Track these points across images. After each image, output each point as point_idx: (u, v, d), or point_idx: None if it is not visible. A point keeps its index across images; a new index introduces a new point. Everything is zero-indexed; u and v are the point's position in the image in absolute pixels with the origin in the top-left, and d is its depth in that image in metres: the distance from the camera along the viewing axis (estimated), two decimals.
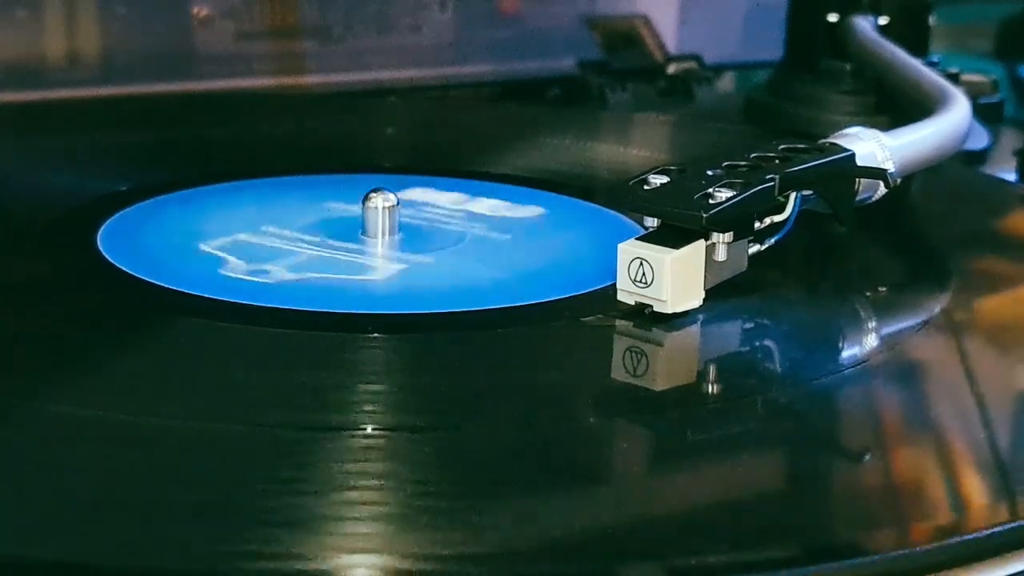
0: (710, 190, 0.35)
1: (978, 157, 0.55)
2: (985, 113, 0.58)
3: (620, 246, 0.35)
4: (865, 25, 0.56)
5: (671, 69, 0.68)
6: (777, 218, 0.37)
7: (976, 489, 0.29)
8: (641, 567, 0.26)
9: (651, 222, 0.36)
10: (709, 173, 0.36)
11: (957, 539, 0.26)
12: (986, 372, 0.35)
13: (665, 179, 0.36)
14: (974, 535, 0.27)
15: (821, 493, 0.29)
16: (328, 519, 0.26)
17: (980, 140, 0.56)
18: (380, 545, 0.26)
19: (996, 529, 0.27)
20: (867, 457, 0.30)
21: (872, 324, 0.37)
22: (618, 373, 0.34)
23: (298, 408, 0.30)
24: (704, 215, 0.34)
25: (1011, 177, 0.54)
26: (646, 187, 0.36)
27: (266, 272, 0.38)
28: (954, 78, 0.56)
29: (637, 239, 0.35)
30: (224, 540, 0.25)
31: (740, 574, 0.25)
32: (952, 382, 0.35)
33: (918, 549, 0.26)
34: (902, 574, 0.25)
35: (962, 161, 0.53)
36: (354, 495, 0.27)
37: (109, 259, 0.39)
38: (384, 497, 0.27)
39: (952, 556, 0.26)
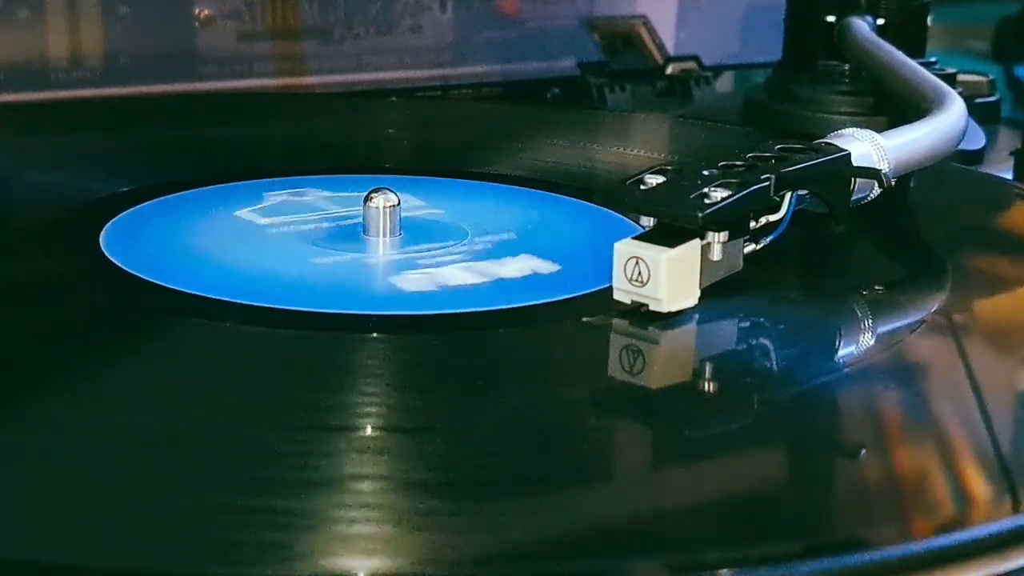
0: (706, 190, 0.35)
1: (975, 157, 0.55)
2: (982, 113, 0.59)
3: (616, 245, 0.35)
4: (862, 25, 0.56)
5: (670, 70, 0.69)
6: (772, 217, 0.37)
7: (974, 486, 0.29)
8: (640, 565, 0.26)
9: (647, 221, 0.36)
10: (705, 173, 0.36)
11: (955, 536, 0.27)
12: (983, 370, 0.35)
13: (661, 179, 0.36)
14: (973, 532, 0.27)
15: (817, 491, 0.29)
16: (328, 519, 0.26)
17: (977, 140, 0.56)
18: (379, 545, 0.26)
19: (995, 526, 0.27)
20: (863, 454, 0.30)
21: (869, 323, 0.37)
22: (615, 372, 0.34)
23: (298, 408, 0.31)
24: (700, 215, 0.35)
25: (1008, 177, 0.54)
26: (642, 187, 0.36)
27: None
28: (951, 78, 0.56)
29: (633, 238, 0.35)
30: (224, 540, 0.25)
31: (739, 571, 0.25)
32: (949, 381, 0.35)
33: (916, 546, 0.26)
34: (899, 571, 0.26)
35: (959, 161, 0.53)
36: (353, 495, 0.27)
37: (112, 259, 0.39)
38: (383, 497, 0.27)
39: (950, 553, 0.26)
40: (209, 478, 0.27)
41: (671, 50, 0.70)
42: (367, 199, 0.41)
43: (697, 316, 0.36)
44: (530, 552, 0.26)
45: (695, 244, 0.35)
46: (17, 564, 0.24)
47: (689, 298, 0.35)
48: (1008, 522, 0.27)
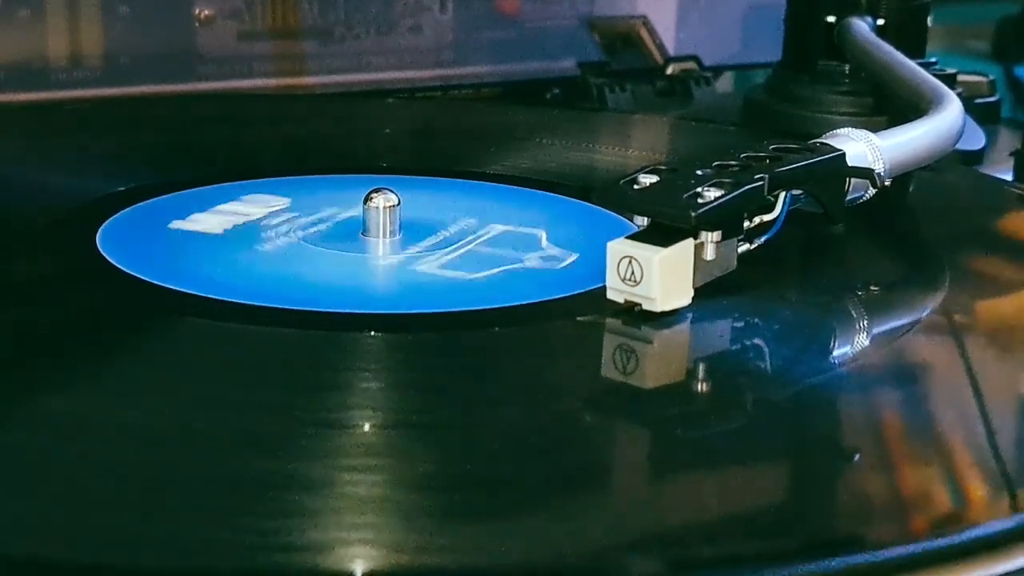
0: (699, 189, 0.35)
1: (975, 157, 0.56)
2: (982, 113, 0.59)
3: (609, 244, 0.35)
4: (861, 25, 0.56)
5: (670, 70, 0.69)
6: (767, 217, 0.37)
7: (973, 485, 0.29)
8: (635, 565, 0.26)
9: (641, 221, 0.36)
10: (699, 173, 0.36)
11: (955, 537, 0.27)
12: (981, 370, 0.35)
13: (655, 178, 0.36)
14: (973, 532, 0.27)
15: (815, 491, 0.29)
16: (327, 518, 0.26)
17: (977, 140, 0.56)
18: (379, 544, 0.26)
19: (995, 526, 0.27)
20: (857, 456, 0.30)
21: (864, 323, 0.37)
22: (608, 371, 0.34)
23: (297, 407, 0.31)
24: (693, 214, 0.35)
25: (1007, 177, 0.54)
26: (636, 186, 0.36)
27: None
28: (951, 78, 0.56)
29: (626, 238, 0.35)
30: (224, 540, 0.25)
31: (738, 571, 0.26)
32: (946, 380, 0.35)
33: (916, 546, 0.26)
34: (899, 571, 0.26)
35: (959, 161, 0.53)
36: (352, 494, 0.27)
37: (109, 259, 0.39)
38: (381, 496, 0.27)
39: (950, 553, 0.26)
40: (209, 478, 0.27)
41: (671, 50, 0.70)
42: (367, 199, 0.41)
43: (690, 316, 0.36)
44: (527, 551, 0.26)
45: (688, 243, 0.35)
46: (17, 563, 0.24)
47: (682, 297, 0.35)
48: (1008, 522, 0.27)
